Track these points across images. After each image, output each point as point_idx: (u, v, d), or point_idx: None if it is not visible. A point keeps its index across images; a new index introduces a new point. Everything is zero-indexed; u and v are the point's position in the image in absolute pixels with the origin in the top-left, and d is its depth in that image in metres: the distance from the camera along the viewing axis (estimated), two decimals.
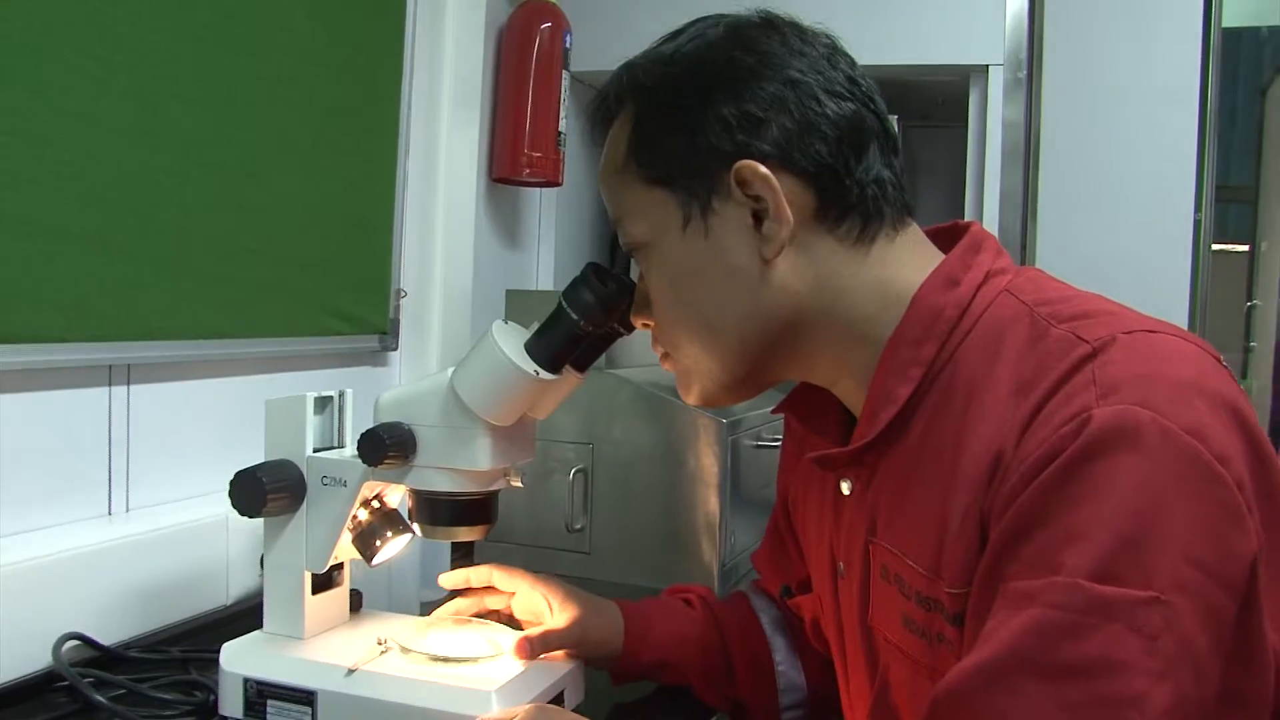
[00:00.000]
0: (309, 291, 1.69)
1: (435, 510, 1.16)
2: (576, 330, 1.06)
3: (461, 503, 1.15)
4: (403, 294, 1.95)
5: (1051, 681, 0.70)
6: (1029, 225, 2.25)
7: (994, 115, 2.25)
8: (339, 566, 1.25)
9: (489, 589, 1.30)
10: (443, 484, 1.13)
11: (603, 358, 1.80)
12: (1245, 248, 4.40)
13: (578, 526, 1.85)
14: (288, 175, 1.63)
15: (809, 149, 0.89)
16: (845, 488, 0.98)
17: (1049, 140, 2.27)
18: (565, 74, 2.26)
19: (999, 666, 0.72)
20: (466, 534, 1.18)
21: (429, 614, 1.29)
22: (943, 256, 0.94)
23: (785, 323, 0.93)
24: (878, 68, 2.36)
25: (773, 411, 1.11)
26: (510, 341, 1.08)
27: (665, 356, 1.04)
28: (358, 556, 1.21)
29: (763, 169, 0.88)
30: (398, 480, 1.14)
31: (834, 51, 0.94)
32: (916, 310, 0.90)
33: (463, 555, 1.94)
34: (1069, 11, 2.24)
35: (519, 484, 1.17)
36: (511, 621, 1.27)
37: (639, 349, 1.92)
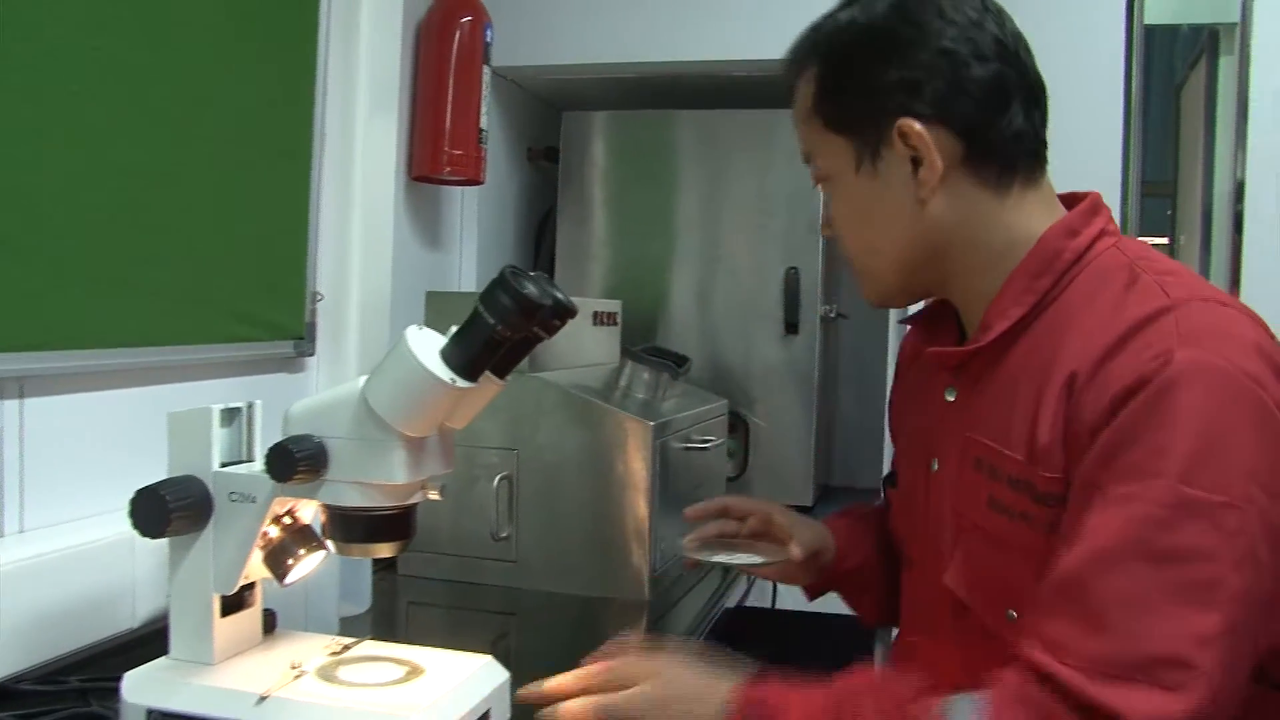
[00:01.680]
0: (218, 296, 1.62)
1: (350, 526, 1.10)
2: (494, 336, 1.01)
3: (377, 518, 1.10)
4: (319, 297, 1.88)
5: (1154, 564, 0.88)
6: None
7: None
8: (250, 586, 1.19)
9: (726, 514, 1.43)
10: (357, 499, 1.08)
11: (526, 360, 1.78)
12: (1165, 240, 4.46)
13: (503, 535, 1.79)
14: (195, 175, 1.56)
15: (958, 107, 1.07)
16: (950, 395, 1.16)
17: None
18: (486, 69, 2.21)
19: (1110, 553, 0.90)
20: (383, 550, 1.13)
21: (338, 638, 1.23)
22: (1065, 212, 1.12)
23: (932, 250, 1.12)
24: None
25: (900, 320, 1.37)
26: (425, 348, 1.03)
27: (848, 262, 1.23)
28: (270, 576, 1.15)
29: (919, 126, 1.06)
30: (309, 495, 1.09)
31: (984, 14, 1.09)
32: (1039, 250, 1.08)
33: (385, 566, 1.89)
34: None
35: (437, 496, 1.12)
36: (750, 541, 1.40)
37: (564, 351, 1.88)
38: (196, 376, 1.60)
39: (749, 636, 2.42)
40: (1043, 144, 1.13)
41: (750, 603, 2.22)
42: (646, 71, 2.43)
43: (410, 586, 1.85)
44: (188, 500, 1.09)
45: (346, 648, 1.19)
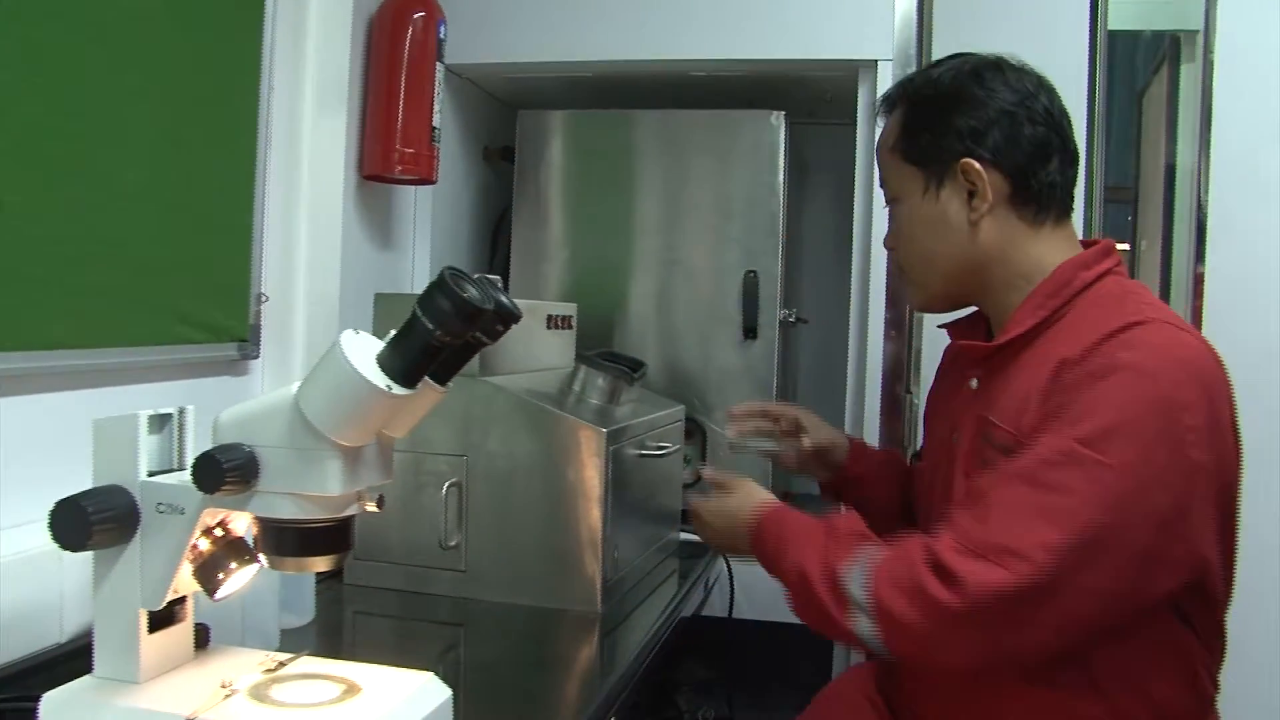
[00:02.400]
0: (155, 297, 1.56)
1: (282, 539, 1.06)
2: (433, 341, 0.97)
3: (311, 530, 1.05)
4: (264, 299, 1.83)
5: (1032, 487, 1.19)
6: None
7: (881, 117, 2.20)
8: (181, 600, 1.14)
9: (765, 415, 1.78)
10: (289, 510, 1.03)
11: (476, 363, 1.74)
12: (1126, 246, 4.46)
13: (452, 543, 1.75)
14: (132, 171, 1.50)
15: (1011, 156, 1.37)
16: (974, 384, 1.43)
17: None
18: (439, 66, 2.16)
19: (1010, 475, 1.22)
20: (318, 564, 1.08)
21: (273, 654, 1.18)
22: (1082, 251, 1.40)
23: (975, 266, 1.41)
24: (763, 62, 2.34)
25: (940, 325, 1.60)
26: (360, 353, 0.98)
27: (901, 270, 1.54)
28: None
29: (978, 166, 1.37)
30: (239, 507, 1.04)
31: (1040, 88, 1.41)
32: (1057, 275, 1.36)
33: (330, 576, 1.84)
34: (958, 6, 2.21)
35: (375, 508, 1.08)
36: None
37: (516, 355, 1.84)
38: (133, 380, 1.54)
39: (706, 645, 2.39)
40: (1071, 196, 1.43)
41: (707, 612, 2.18)
42: (604, 70, 2.39)
43: (357, 596, 1.80)
44: (111, 511, 1.04)
45: (282, 664, 1.15)
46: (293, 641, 1.51)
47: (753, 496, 1.51)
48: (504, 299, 1.04)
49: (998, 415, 1.33)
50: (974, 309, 1.52)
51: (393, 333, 1.00)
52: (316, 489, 1.01)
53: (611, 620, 1.71)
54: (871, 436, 2.23)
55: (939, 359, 1.68)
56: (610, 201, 2.41)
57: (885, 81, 2.21)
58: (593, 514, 1.70)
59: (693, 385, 2.33)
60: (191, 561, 1.08)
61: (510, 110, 2.53)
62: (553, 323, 2.04)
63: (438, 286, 0.95)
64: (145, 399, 1.51)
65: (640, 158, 2.40)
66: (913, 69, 2.21)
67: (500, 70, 2.44)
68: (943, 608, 1.18)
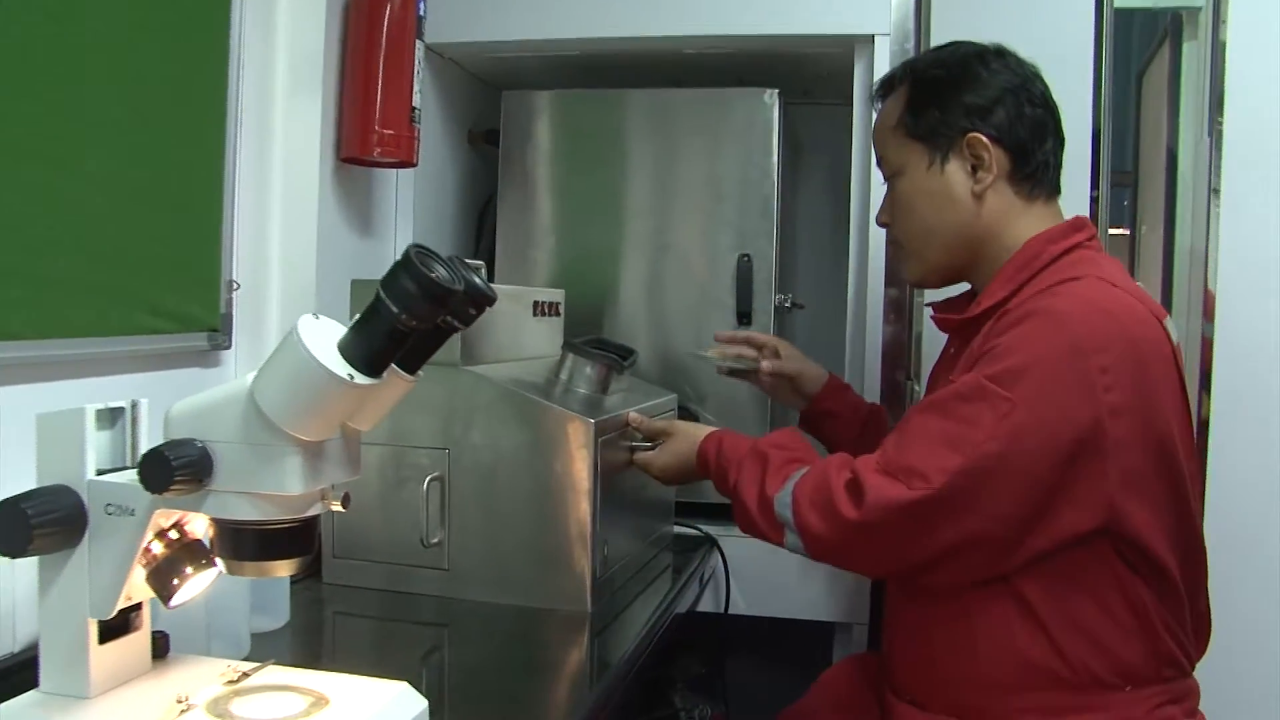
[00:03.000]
0: (120, 285, 1.48)
1: (240, 542, 0.98)
2: (398, 326, 0.89)
3: (271, 532, 0.98)
4: (235, 286, 1.74)
5: (941, 416, 1.34)
6: None
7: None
8: (135, 608, 1.06)
9: (749, 341, 1.98)
10: (247, 511, 0.96)
11: (458, 352, 1.66)
12: (1125, 231, 4.40)
13: (434, 540, 1.67)
14: (93, 154, 1.42)
15: (1014, 133, 1.47)
16: (952, 350, 1.57)
17: None
18: (419, 44, 2.07)
19: (925, 404, 1.40)
20: (280, 569, 1.00)
21: (237, 664, 1.10)
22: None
23: (973, 238, 1.50)
24: (756, 38, 2.26)
25: (926, 303, 1.75)
26: (320, 340, 0.90)
27: (897, 244, 1.63)
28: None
29: (985, 139, 1.47)
30: (193, 508, 0.96)
31: (1035, 77, 1.52)
32: (1025, 250, 1.46)
33: (308, 575, 1.76)
34: None
35: (339, 508, 1.00)
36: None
37: (501, 343, 1.76)
38: (95, 372, 1.46)
39: (701, 641, 2.33)
40: (1059, 178, 1.54)
41: (702, 607, 2.11)
42: (591, 48, 2.31)
43: (335, 596, 1.72)
44: (54, 514, 0.96)
45: (245, 675, 1.07)
46: (266, 646, 1.44)
47: (689, 434, 1.69)
48: (476, 280, 0.96)
49: (958, 372, 1.42)
50: (965, 289, 1.62)
51: (356, 317, 0.92)
52: (274, 487, 0.93)
53: (602, 619, 1.63)
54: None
55: (941, 343, 1.68)
56: (599, 184, 2.32)
57: (882, 58, 2.13)
58: (581, 509, 1.62)
59: (685, 373, 2.25)
60: (144, 566, 1.01)
61: (495, 91, 2.45)
62: (539, 309, 1.96)
63: (402, 266, 0.88)
64: (108, 392, 1.42)
65: (629, 139, 2.32)
66: (911, 44, 2.14)
67: (483, 50, 2.36)
68: (845, 520, 1.35)
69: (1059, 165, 1.54)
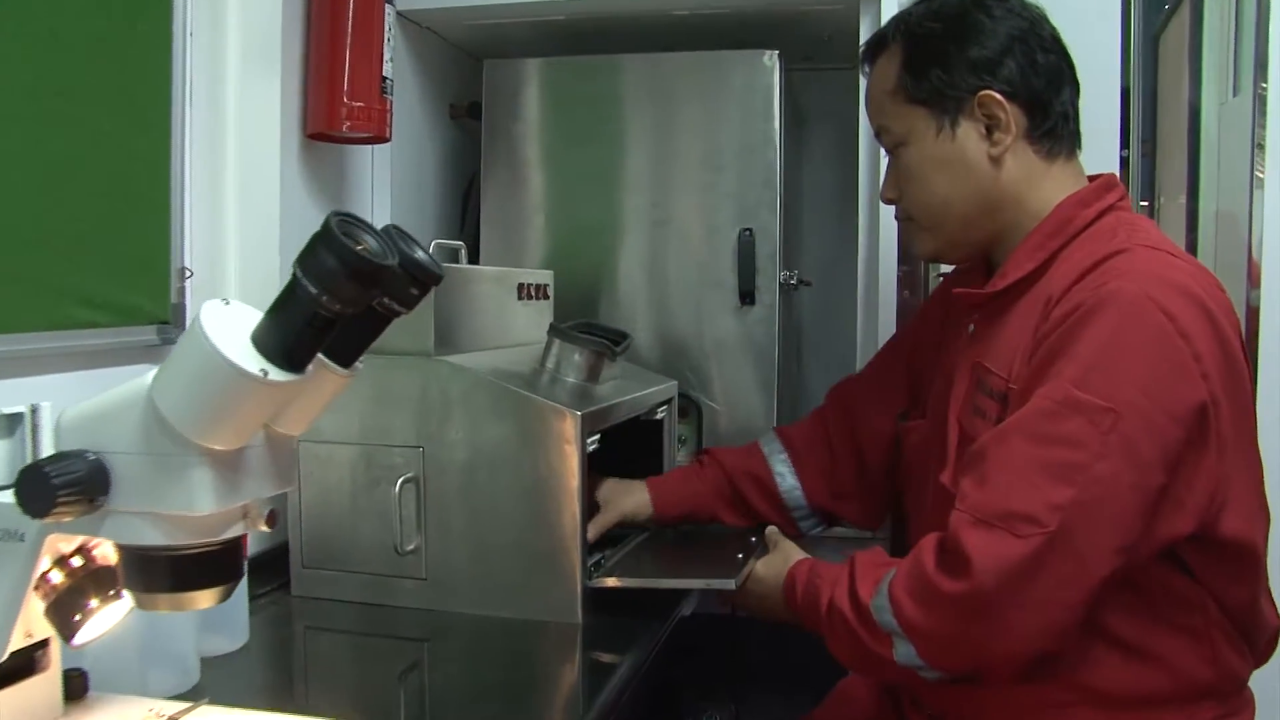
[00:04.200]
0: (49, 276, 1.33)
1: (149, 571, 0.83)
2: (320, 310, 0.74)
3: (185, 559, 0.82)
4: (188, 274, 1.59)
5: (1033, 442, 1.15)
6: None
7: None
8: (42, 644, 0.91)
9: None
10: (152, 535, 0.81)
11: (432, 339, 1.51)
12: (1144, 202, 4.26)
13: (410, 548, 1.52)
14: (12, 129, 1.27)
15: (1029, 85, 1.33)
16: (971, 329, 1.39)
17: None
18: (390, 10, 1.92)
19: (1008, 430, 1.18)
20: (200, 600, 0.85)
21: (162, 705, 0.96)
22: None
23: (992, 206, 1.36)
24: None
25: (938, 276, 1.64)
26: (229, 331, 0.75)
27: (908, 219, 1.45)
28: None
29: (999, 97, 1.32)
30: (89, 532, 0.82)
31: (1043, 20, 1.36)
32: (1055, 215, 1.32)
33: (275, 587, 1.62)
34: None
35: (266, 527, 0.85)
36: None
37: (483, 329, 1.62)
38: (20, 372, 1.31)
39: (708, 645, 2.18)
40: (1079, 130, 1.39)
41: (710, 609, 1.96)
42: (578, 11, 2.15)
43: (305, 610, 1.58)
44: None
45: (173, 719, 0.92)
46: (220, 673, 1.30)
47: (777, 560, 1.48)
48: (418, 254, 0.81)
49: (991, 361, 1.30)
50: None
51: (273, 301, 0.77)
52: (182, 506, 0.78)
53: (595, 631, 1.48)
54: None
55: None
56: (589, 157, 2.16)
57: (890, 15, 1.96)
58: (569, 510, 1.48)
59: (686, 357, 2.10)
60: (43, 598, 0.86)
61: (476, 61, 2.29)
62: (525, 292, 1.81)
63: (321, 239, 0.72)
64: (33, 395, 1.28)
65: (621, 108, 2.15)
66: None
67: (462, 16, 2.19)
68: (950, 598, 1.15)
69: (1077, 116, 1.39)
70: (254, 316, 0.78)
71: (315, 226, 0.73)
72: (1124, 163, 1.91)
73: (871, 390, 1.70)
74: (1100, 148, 1.52)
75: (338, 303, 0.73)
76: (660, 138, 2.13)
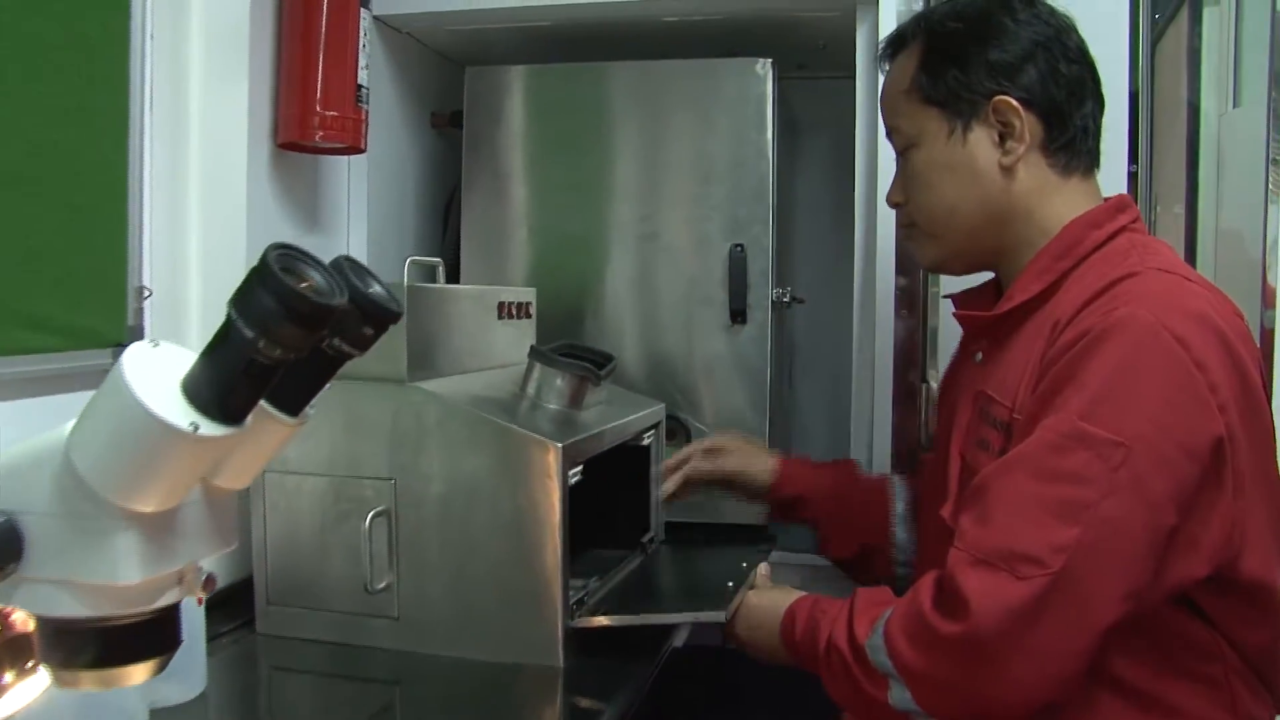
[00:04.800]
0: None
1: (68, 644, 0.74)
2: (257, 356, 0.65)
3: (110, 631, 0.73)
4: (146, 294, 1.50)
5: (1037, 479, 1.08)
6: None
7: (885, 63, 1.87)
8: None
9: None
10: (70, 606, 0.71)
11: (404, 364, 1.42)
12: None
13: (380, 585, 1.43)
14: None
15: (1048, 95, 1.26)
16: (977, 358, 1.33)
17: None
18: (365, 13, 1.83)
19: (1010, 464, 1.11)
20: (128, 676, 0.76)
21: None
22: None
23: (1000, 218, 1.30)
24: (745, 2, 2.01)
25: (945, 296, 1.53)
26: (155, 377, 0.66)
27: (911, 225, 1.39)
28: None
29: (1015, 104, 1.26)
30: None
31: (1070, 29, 1.30)
32: (1064, 235, 1.25)
33: (239, 625, 1.53)
34: None
35: (202, 594, 0.76)
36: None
37: (457, 351, 1.53)
38: None
39: (703, 674, 2.10)
40: (1099, 148, 1.33)
41: (701, 640, 1.88)
42: (564, 17, 2.06)
43: (272, 650, 1.49)
44: None
45: None
46: None
47: (774, 598, 1.39)
48: (372, 289, 0.72)
49: (994, 388, 1.24)
50: (987, 279, 1.43)
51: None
52: (105, 575, 0.69)
53: (578, 674, 1.39)
54: (883, 431, 1.91)
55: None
56: (574, 169, 2.08)
57: (889, 23, 1.88)
58: (551, 547, 1.39)
59: (674, 378, 2.01)
60: None
61: (459, 69, 2.20)
62: (506, 311, 1.72)
63: (257, 276, 0.64)
64: None
65: (608, 117, 2.07)
66: (920, 6, 1.90)
67: (442, 21, 2.11)
68: (946, 640, 1.08)
69: (1098, 133, 1.33)
70: (187, 360, 0.69)
71: (291, 240, 0.66)
72: (1132, 178, 1.82)
73: None
74: (1106, 162, 1.44)
75: (278, 347, 0.64)
76: (649, 149, 2.05)
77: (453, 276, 2.07)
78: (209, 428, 0.65)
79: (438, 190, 2.37)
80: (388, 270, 2.09)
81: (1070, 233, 1.26)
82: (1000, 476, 1.11)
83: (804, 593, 1.38)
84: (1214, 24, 2.64)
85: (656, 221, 2.04)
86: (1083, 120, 1.29)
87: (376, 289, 0.73)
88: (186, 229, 1.56)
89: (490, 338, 1.67)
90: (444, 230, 2.37)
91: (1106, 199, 1.32)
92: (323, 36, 1.77)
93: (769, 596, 1.40)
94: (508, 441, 1.39)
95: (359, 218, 2.08)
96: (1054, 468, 1.07)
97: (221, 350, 0.66)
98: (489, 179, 2.11)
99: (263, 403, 0.70)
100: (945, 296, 1.49)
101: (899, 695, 1.14)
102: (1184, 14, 2.62)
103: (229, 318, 0.64)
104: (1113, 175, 1.69)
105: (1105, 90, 1.36)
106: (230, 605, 1.52)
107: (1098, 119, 1.32)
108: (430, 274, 1.76)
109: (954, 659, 1.09)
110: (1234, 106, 2.57)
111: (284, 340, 0.64)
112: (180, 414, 0.65)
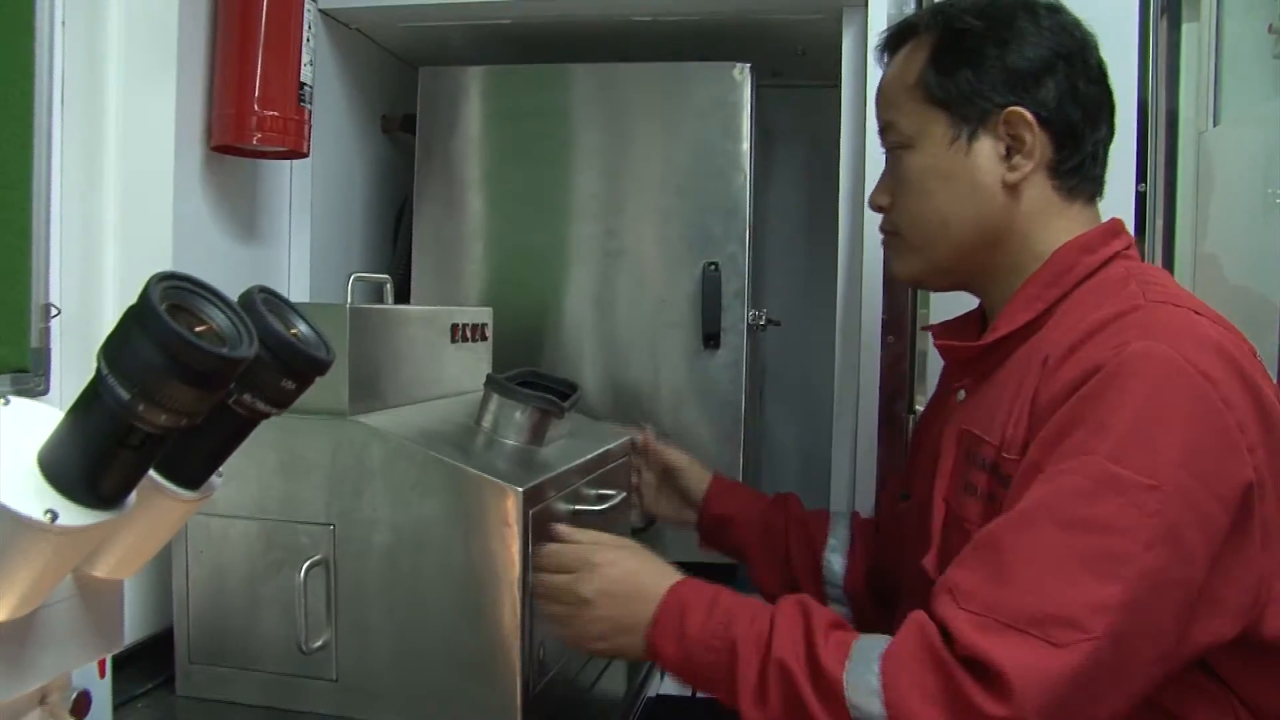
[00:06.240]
0: None
1: None
2: (136, 423, 0.49)
3: None
4: (55, 312, 1.33)
5: (1066, 530, 0.96)
6: None
7: (875, 67, 1.73)
8: None
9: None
10: None
11: (345, 394, 1.27)
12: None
13: (317, 645, 1.28)
14: None
15: (1066, 114, 1.19)
16: (960, 395, 1.25)
17: None
18: (311, 6, 1.68)
19: (1028, 515, 0.99)
20: None
21: None
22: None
23: (993, 238, 1.22)
24: (721, 3, 1.87)
25: (924, 327, 1.49)
26: (3, 447, 0.50)
27: (894, 233, 1.29)
28: None
29: (1029, 118, 1.18)
30: None
31: (1094, 46, 1.22)
32: (1054, 261, 1.19)
33: (159, 684, 1.37)
34: None
35: (72, 718, 0.60)
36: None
37: (405, 379, 1.39)
38: None
39: None
40: (1104, 173, 1.25)
41: (670, 690, 1.74)
42: (526, 15, 1.94)
43: (193, 715, 1.33)
44: None
45: None
46: None
47: (651, 559, 1.23)
48: (296, 330, 0.57)
49: (980, 426, 1.15)
50: (968, 307, 1.35)
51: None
52: None
53: None
54: (866, 466, 1.79)
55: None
56: (535, 178, 1.95)
57: (878, 26, 1.75)
58: (510, 603, 1.24)
59: (642, 407, 1.88)
60: None
61: (412, 69, 2.06)
62: (460, 333, 1.57)
63: (136, 315, 0.48)
64: None
65: (571, 123, 1.94)
66: (910, 9, 1.77)
67: (395, 17, 1.96)
68: None
69: (1106, 159, 1.25)
70: (49, 422, 0.53)
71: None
72: (1140, 199, 1.71)
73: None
74: (1113, 180, 1.33)
75: (163, 412, 0.49)
76: (615, 158, 1.94)
77: (402, 295, 1.93)
78: (72, 515, 0.50)
79: (387, 200, 2.22)
80: (330, 289, 1.94)
81: (1062, 257, 1.18)
82: (1016, 529, 0.99)
83: (666, 564, 1.21)
84: (1193, 40, 2.57)
85: (623, 236, 1.92)
86: (1094, 145, 1.22)
87: (301, 329, 0.58)
88: (103, 240, 1.40)
89: (442, 364, 1.52)
90: (393, 244, 2.22)
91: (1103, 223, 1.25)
92: (262, 28, 1.65)
93: (651, 563, 1.22)
94: (461, 484, 1.24)
95: (301, 229, 1.93)
96: (1085, 517, 0.96)
97: (90, 415, 0.50)
98: (443, 188, 1.98)
99: (153, 473, 0.55)
100: (924, 329, 1.42)
101: None
102: (1162, 30, 2.58)
103: (98, 373, 0.49)
104: (1121, 196, 1.58)
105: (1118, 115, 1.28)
106: (145, 662, 1.37)
107: (1108, 145, 1.25)
108: (377, 293, 1.61)
109: None
110: (1214, 125, 2.50)
111: (172, 403, 0.48)
112: (33, 499, 0.49)
